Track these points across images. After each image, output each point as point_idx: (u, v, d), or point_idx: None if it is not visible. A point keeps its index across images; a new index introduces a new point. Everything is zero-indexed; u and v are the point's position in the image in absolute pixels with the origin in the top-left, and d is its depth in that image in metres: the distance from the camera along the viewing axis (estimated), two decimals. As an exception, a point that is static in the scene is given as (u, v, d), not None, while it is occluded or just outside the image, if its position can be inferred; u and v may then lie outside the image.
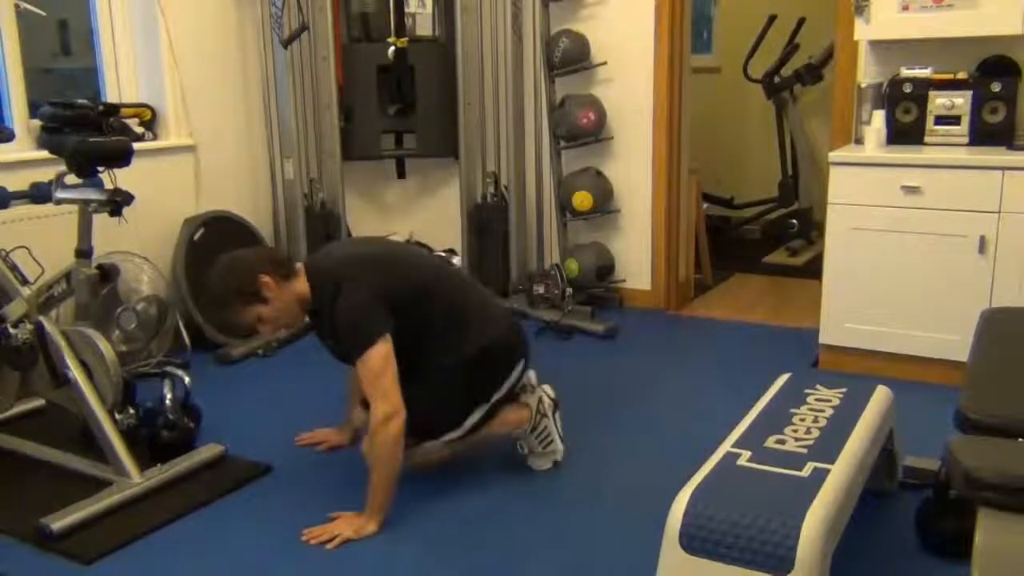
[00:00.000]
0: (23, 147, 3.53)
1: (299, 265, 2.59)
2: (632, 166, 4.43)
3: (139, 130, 3.94)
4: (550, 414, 2.77)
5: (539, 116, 4.43)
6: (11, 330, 2.81)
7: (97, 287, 2.92)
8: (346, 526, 2.42)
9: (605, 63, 4.35)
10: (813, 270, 4.77)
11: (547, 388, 2.82)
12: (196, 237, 3.97)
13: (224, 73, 4.25)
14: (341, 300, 2.43)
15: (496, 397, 2.64)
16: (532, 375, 2.81)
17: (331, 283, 2.47)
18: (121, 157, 2.83)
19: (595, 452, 2.90)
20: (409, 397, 2.42)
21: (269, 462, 2.85)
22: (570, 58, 4.27)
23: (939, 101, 3.44)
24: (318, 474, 2.80)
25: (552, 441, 2.77)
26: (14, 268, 2.96)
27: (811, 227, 5.64)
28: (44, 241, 3.24)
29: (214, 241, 4.03)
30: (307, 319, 2.65)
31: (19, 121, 3.57)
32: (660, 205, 4.40)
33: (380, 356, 2.39)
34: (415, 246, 2.82)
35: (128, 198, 2.84)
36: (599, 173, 4.41)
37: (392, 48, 4.45)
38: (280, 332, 2.63)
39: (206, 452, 2.85)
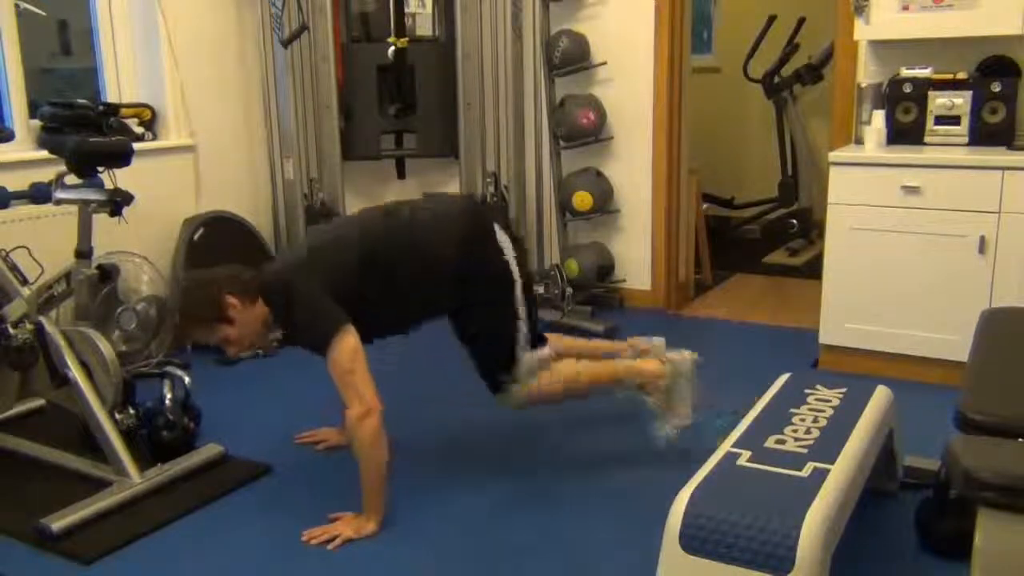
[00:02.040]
0: (23, 147, 3.53)
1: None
2: (632, 166, 4.43)
3: (139, 130, 3.94)
4: (690, 377, 2.75)
5: (539, 116, 4.43)
6: (11, 330, 2.81)
7: (97, 287, 2.93)
8: (346, 526, 2.42)
9: (605, 63, 4.35)
10: (813, 270, 4.77)
11: (691, 353, 2.80)
12: (196, 237, 3.97)
13: (224, 73, 4.25)
14: (292, 306, 2.44)
15: (517, 281, 2.58)
16: (661, 341, 2.82)
17: (279, 293, 2.47)
18: (121, 157, 2.83)
19: (595, 452, 2.90)
20: (472, 346, 2.49)
21: (269, 462, 2.85)
22: (570, 58, 4.27)
23: (939, 101, 3.44)
24: (318, 474, 2.80)
25: (682, 405, 2.74)
26: (14, 268, 2.96)
27: (811, 227, 5.64)
28: (44, 241, 3.24)
29: (214, 241, 4.03)
30: (279, 335, 2.65)
31: (19, 121, 3.57)
32: (660, 205, 4.40)
33: (346, 352, 2.37)
34: (368, 210, 2.73)
35: (128, 198, 2.84)
36: (599, 173, 4.41)
37: (392, 48, 4.45)
38: (247, 351, 2.63)
39: (206, 452, 2.85)
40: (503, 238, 2.62)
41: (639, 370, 2.73)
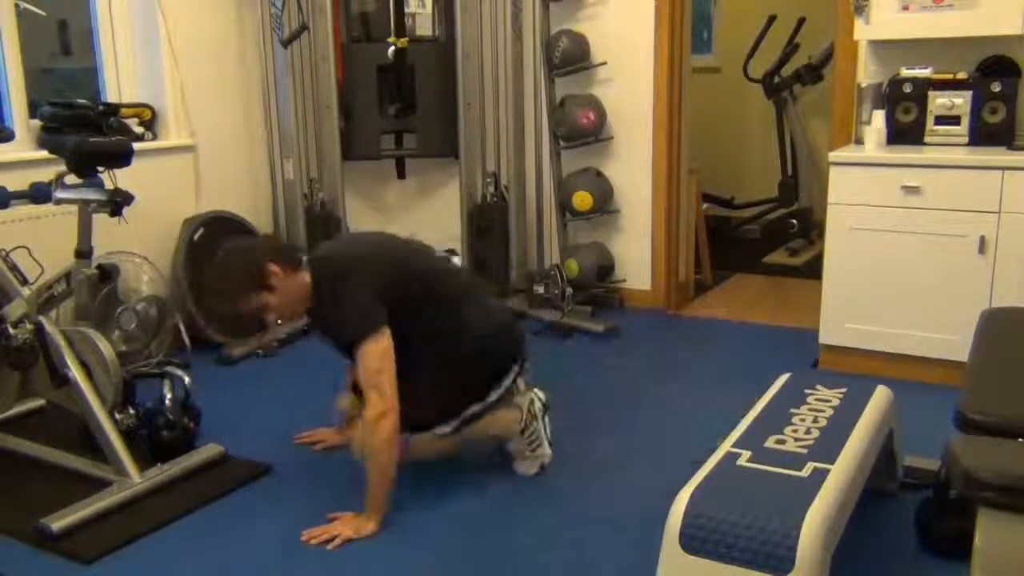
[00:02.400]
0: (23, 147, 3.53)
1: (304, 258, 2.59)
2: (632, 166, 4.43)
3: (139, 130, 3.94)
4: (540, 417, 2.76)
5: (539, 116, 4.43)
6: (11, 330, 2.80)
7: (97, 287, 2.92)
8: (346, 526, 2.42)
9: (605, 63, 4.35)
10: (813, 270, 4.77)
11: (538, 391, 2.81)
12: (196, 237, 3.97)
13: (224, 73, 4.25)
14: (340, 293, 2.44)
15: (492, 396, 2.63)
16: (521, 383, 2.78)
17: (330, 276, 2.48)
18: (121, 157, 2.83)
19: (595, 452, 2.90)
20: (406, 388, 2.42)
21: (269, 462, 2.85)
22: (570, 58, 4.27)
23: (939, 101, 3.44)
24: (318, 474, 2.80)
25: (540, 444, 2.76)
26: (14, 268, 2.96)
27: (811, 227, 5.64)
28: (44, 241, 3.24)
29: (214, 241, 4.02)
30: (307, 315, 2.65)
31: (19, 121, 3.57)
32: (660, 205, 4.40)
33: (379, 351, 2.39)
34: (417, 242, 2.80)
35: (128, 198, 2.84)
36: (599, 173, 4.41)
37: (392, 48, 4.45)
38: (281, 325, 2.62)
39: (206, 452, 2.85)
40: (513, 374, 2.68)
41: (496, 424, 2.69)
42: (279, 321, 2.59)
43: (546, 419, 2.80)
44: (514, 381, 2.69)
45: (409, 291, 2.52)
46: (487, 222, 4.52)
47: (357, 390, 2.56)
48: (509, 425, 2.70)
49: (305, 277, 2.53)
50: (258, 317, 2.57)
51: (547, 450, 2.77)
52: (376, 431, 2.38)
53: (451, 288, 2.65)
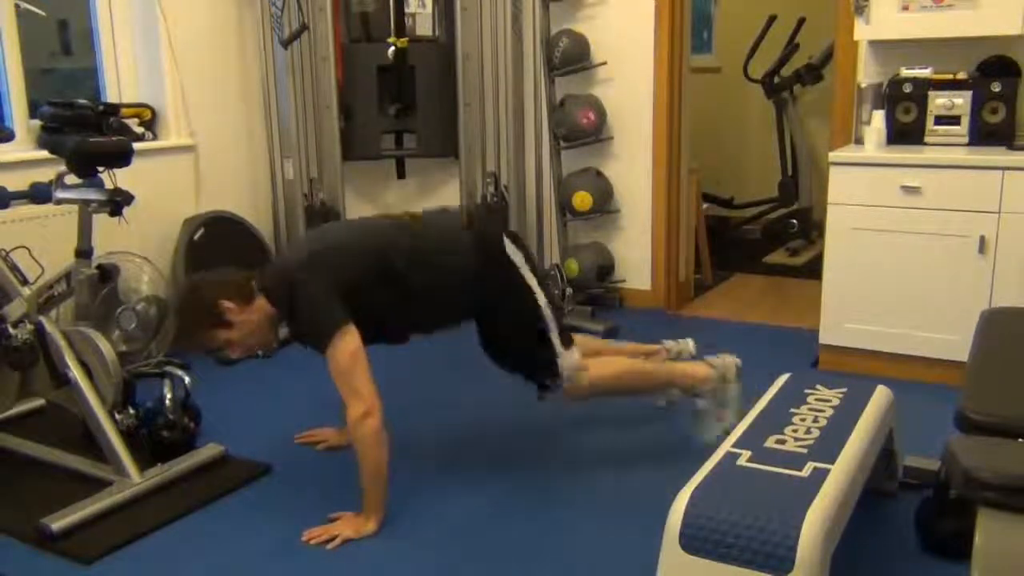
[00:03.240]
0: (23, 147, 3.53)
1: (255, 284, 2.55)
2: (632, 166, 4.43)
3: (139, 130, 3.94)
4: (729, 380, 2.81)
5: (539, 116, 4.43)
6: (11, 330, 2.80)
7: (97, 287, 2.92)
8: (346, 526, 2.42)
9: (605, 63, 4.35)
10: (813, 270, 4.77)
11: (733, 357, 2.86)
12: (196, 237, 3.97)
13: (224, 73, 4.25)
14: (295, 303, 2.43)
15: (536, 287, 2.62)
16: (691, 343, 2.98)
17: (284, 287, 2.46)
18: (121, 157, 2.83)
19: (594, 451, 2.90)
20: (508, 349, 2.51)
21: (269, 462, 2.85)
22: (570, 58, 4.27)
23: (939, 101, 3.44)
24: (318, 474, 2.80)
25: (725, 407, 2.79)
26: (14, 268, 2.96)
27: (811, 227, 5.63)
28: (44, 241, 3.24)
29: (214, 241, 4.03)
30: (281, 334, 2.66)
31: (19, 121, 3.57)
32: (660, 205, 4.40)
33: (346, 352, 2.37)
34: (373, 219, 2.77)
35: (128, 198, 2.84)
36: (599, 173, 4.41)
37: (392, 48, 4.45)
38: (251, 352, 2.63)
39: (206, 452, 2.85)
40: (512, 249, 2.66)
41: (691, 374, 2.81)
42: (247, 352, 2.59)
43: (736, 385, 2.83)
44: (528, 259, 2.67)
45: (372, 276, 2.49)
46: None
47: None
48: (703, 380, 2.80)
49: (263, 305, 2.51)
50: (224, 352, 2.57)
51: (732, 416, 2.76)
52: (361, 432, 2.37)
53: (412, 255, 2.55)
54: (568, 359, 2.62)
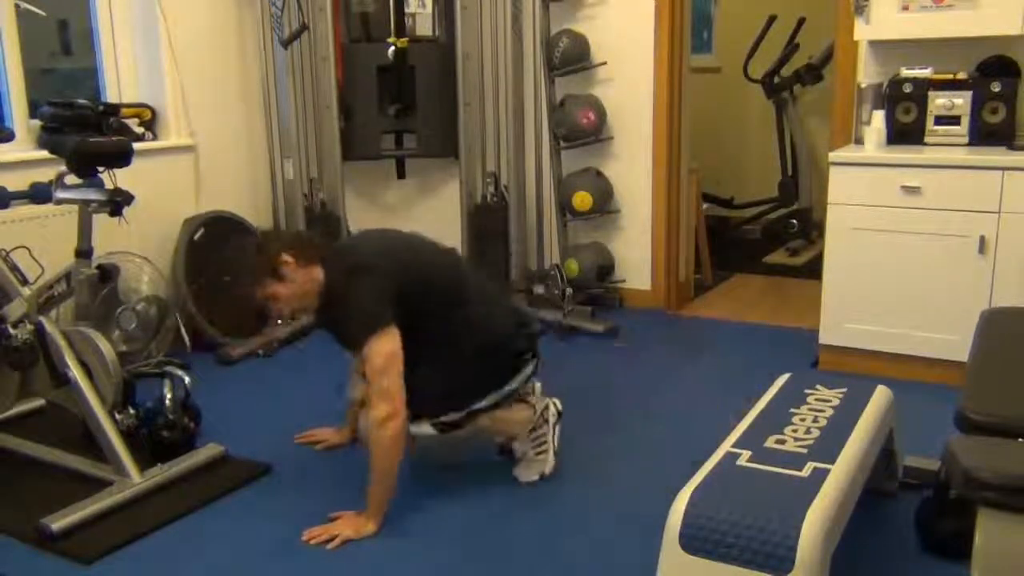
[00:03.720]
0: (23, 147, 3.53)
1: (321, 254, 2.59)
2: (632, 166, 4.43)
3: (139, 130, 3.94)
4: (552, 424, 2.75)
5: (539, 116, 4.43)
6: (11, 330, 2.80)
7: (97, 287, 2.93)
8: (346, 526, 2.42)
9: (605, 63, 4.35)
10: (813, 270, 4.77)
11: (555, 400, 2.81)
12: (196, 237, 3.97)
13: (224, 73, 4.25)
14: (352, 290, 2.44)
15: (504, 390, 2.61)
16: (538, 386, 2.80)
17: (345, 272, 2.48)
18: (121, 157, 2.83)
19: (595, 452, 2.90)
20: (415, 375, 2.41)
21: (269, 462, 2.85)
22: (570, 58, 4.27)
23: (939, 101, 3.44)
24: (318, 474, 2.80)
25: (546, 451, 2.74)
26: (14, 268, 2.96)
27: (811, 227, 5.63)
28: (44, 241, 3.24)
29: (214, 241, 4.03)
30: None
31: (19, 121, 3.57)
32: (660, 205, 4.40)
33: (385, 351, 2.37)
34: (434, 242, 2.82)
35: (128, 198, 2.84)
36: (599, 173, 4.41)
37: (392, 48, 4.45)
38: (290, 319, 2.62)
39: (206, 452, 2.85)
40: (528, 371, 2.69)
41: (506, 419, 2.69)
42: (288, 313, 2.59)
43: (557, 428, 2.77)
44: (527, 380, 2.68)
45: (424, 290, 2.52)
46: (487, 222, 4.52)
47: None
48: (520, 423, 2.70)
49: (319, 273, 2.52)
50: (267, 307, 2.57)
51: (551, 458, 2.74)
52: (381, 433, 2.37)
53: (466, 287, 2.64)
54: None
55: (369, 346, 2.38)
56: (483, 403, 2.59)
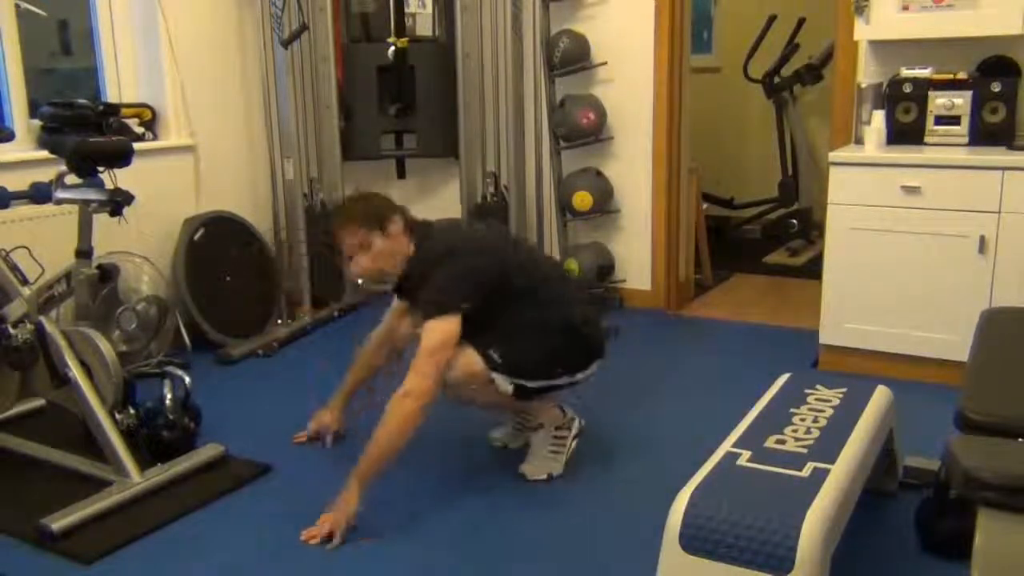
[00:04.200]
0: (23, 147, 3.53)
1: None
2: (632, 166, 4.43)
3: (139, 130, 3.94)
4: (573, 432, 2.80)
5: (539, 116, 4.43)
6: (11, 330, 2.81)
7: (97, 287, 2.92)
8: (337, 517, 2.39)
9: (605, 63, 4.35)
10: (813, 270, 4.77)
11: (582, 419, 2.86)
12: (196, 237, 3.97)
13: (224, 73, 4.25)
14: (449, 263, 2.52)
15: (581, 375, 2.69)
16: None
17: (440, 249, 2.57)
18: (121, 157, 2.83)
19: (595, 452, 2.90)
20: (521, 336, 2.55)
21: (269, 462, 2.85)
22: (570, 58, 4.27)
23: (939, 101, 3.44)
24: (318, 474, 2.80)
25: (562, 451, 2.77)
26: (14, 268, 2.96)
27: (811, 227, 5.63)
28: (44, 241, 3.24)
29: (214, 241, 4.03)
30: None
31: (19, 121, 3.57)
32: (660, 205, 4.40)
33: (444, 331, 2.44)
34: (522, 239, 2.90)
35: (128, 198, 2.84)
36: (599, 173, 4.41)
37: (392, 48, 4.45)
38: (376, 277, 2.65)
39: (206, 452, 2.85)
40: (592, 369, 2.76)
41: (540, 407, 2.77)
42: (365, 270, 2.60)
43: (575, 442, 2.81)
44: (590, 377, 2.73)
45: (510, 286, 2.59)
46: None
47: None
48: (550, 418, 2.76)
49: (411, 247, 2.61)
50: (350, 257, 2.59)
51: (562, 462, 2.76)
52: (401, 408, 2.38)
53: (552, 287, 2.71)
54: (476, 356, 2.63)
55: (433, 322, 2.44)
56: (560, 381, 2.66)
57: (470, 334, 2.52)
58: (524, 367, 2.59)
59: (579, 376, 2.69)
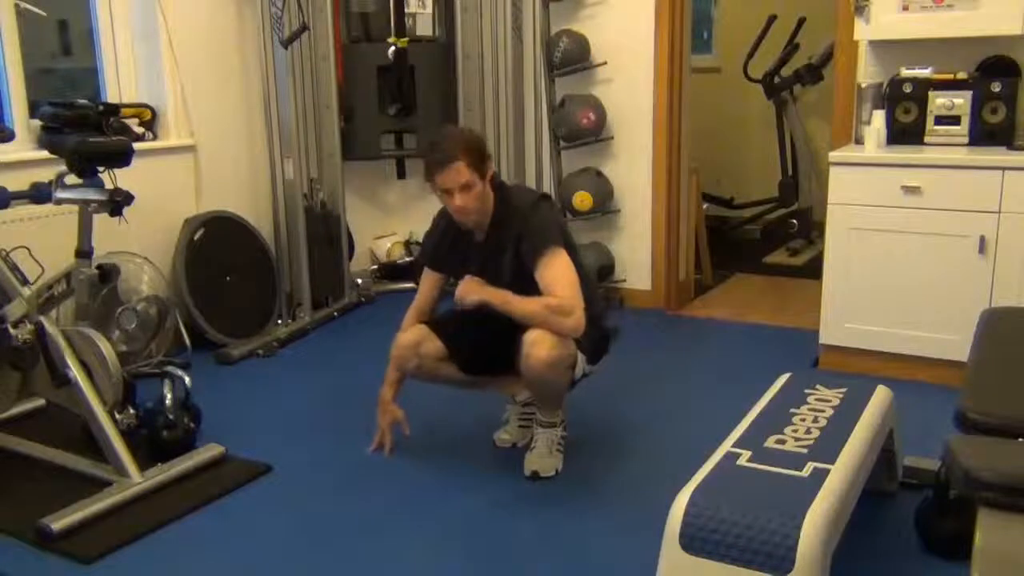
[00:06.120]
0: (23, 147, 3.53)
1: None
2: (632, 166, 4.43)
3: (139, 130, 3.94)
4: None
5: (539, 116, 4.43)
6: (11, 330, 2.80)
7: (97, 287, 2.92)
8: (480, 289, 2.58)
9: (605, 63, 4.35)
10: (813, 270, 4.77)
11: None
12: (196, 237, 3.97)
13: (224, 73, 4.25)
14: (540, 211, 2.60)
15: (597, 366, 2.77)
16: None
17: (529, 202, 2.62)
18: (121, 157, 2.83)
19: (595, 452, 2.90)
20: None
21: (269, 462, 2.85)
22: (570, 58, 4.27)
23: (939, 101, 3.44)
24: (318, 474, 2.80)
25: (562, 450, 2.80)
26: (14, 268, 2.96)
27: (811, 227, 5.64)
28: (44, 241, 3.24)
29: (214, 241, 4.03)
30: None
31: (19, 121, 3.57)
32: (660, 205, 4.40)
33: (568, 263, 2.54)
34: None
35: (128, 198, 2.84)
36: (599, 173, 4.41)
37: (392, 48, 4.45)
38: (470, 218, 2.64)
39: (206, 452, 2.85)
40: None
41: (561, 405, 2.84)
42: (464, 206, 2.58)
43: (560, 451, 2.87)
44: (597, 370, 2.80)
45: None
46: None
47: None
48: (564, 415, 2.82)
49: (492, 201, 2.64)
50: (453, 196, 2.57)
51: (561, 463, 2.79)
52: (560, 319, 2.47)
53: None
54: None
55: (554, 257, 2.51)
56: (590, 371, 2.74)
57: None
58: (590, 351, 2.69)
59: (595, 368, 2.78)
